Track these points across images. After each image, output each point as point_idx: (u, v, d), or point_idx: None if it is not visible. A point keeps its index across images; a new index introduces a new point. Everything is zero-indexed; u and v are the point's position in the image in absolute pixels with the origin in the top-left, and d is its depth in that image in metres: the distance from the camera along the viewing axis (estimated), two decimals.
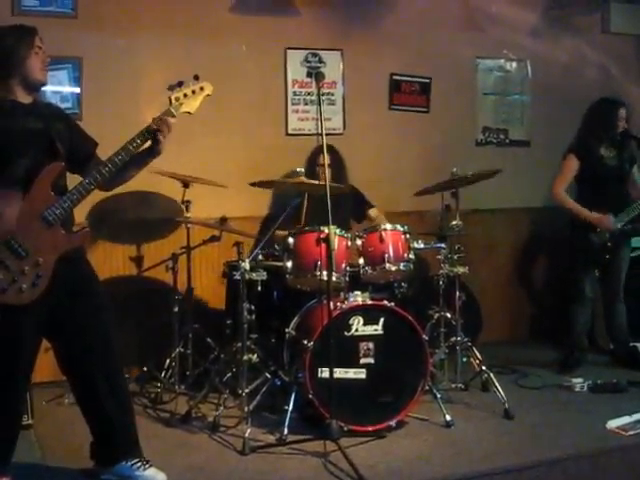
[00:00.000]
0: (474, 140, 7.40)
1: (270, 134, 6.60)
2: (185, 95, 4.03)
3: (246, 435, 4.56)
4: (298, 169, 5.09)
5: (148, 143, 3.96)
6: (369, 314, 4.89)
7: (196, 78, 4.08)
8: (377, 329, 4.87)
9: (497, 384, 5.28)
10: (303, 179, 5.11)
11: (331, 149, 5.96)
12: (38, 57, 3.83)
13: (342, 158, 6.11)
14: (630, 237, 6.29)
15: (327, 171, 5.77)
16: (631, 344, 6.44)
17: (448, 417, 4.96)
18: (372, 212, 6.23)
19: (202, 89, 4.09)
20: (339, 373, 4.71)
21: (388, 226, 5.20)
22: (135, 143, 3.89)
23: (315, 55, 6.74)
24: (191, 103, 4.06)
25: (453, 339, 5.63)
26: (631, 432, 4.75)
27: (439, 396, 5.06)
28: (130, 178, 4.09)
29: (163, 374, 5.69)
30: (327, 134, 4.73)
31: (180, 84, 4.05)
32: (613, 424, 4.86)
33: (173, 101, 4.01)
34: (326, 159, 4.93)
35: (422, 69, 7.11)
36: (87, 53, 5.93)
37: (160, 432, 4.93)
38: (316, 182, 5.03)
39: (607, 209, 6.09)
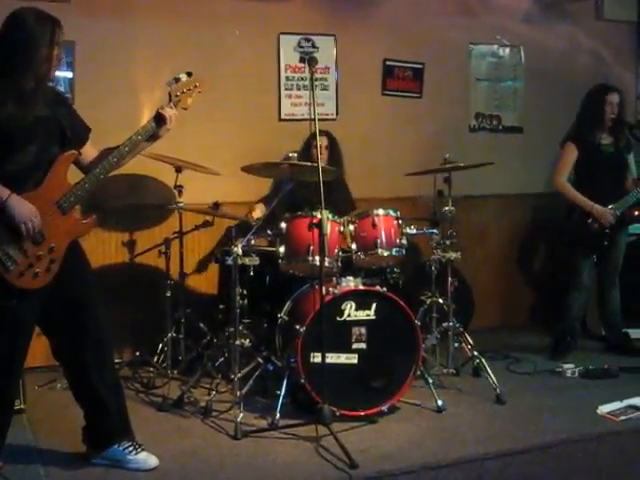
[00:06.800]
0: (467, 126, 7.40)
1: (263, 119, 6.58)
2: (182, 92, 4.10)
3: (238, 420, 4.57)
4: (290, 154, 5.07)
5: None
6: (361, 299, 4.89)
7: (189, 75, 4.13)
8: (369, 314, 4.88)
9: (489, 369, 5.30)
10: (294, 160, 5.07)
11: (328, 134, 5.99)
12: (55, 55, 3.79)
13: (338, 143, 6.11)
14: (628, 224, 6.30)
15: (324, 153, 5.78)
16: (623, 330, 6.47)
17: (440, 402, 4.98)
18: None
19: (196, 86, 4.15)
20: (331, 358, 4.72)
21: (380, 211, 5.20)
22: (140, 136, 3.95)
23: (308, 40, 6.72)
24: (186, 100, 4.14)
25: (445, 324, 5.64)
26: (622, 417, 4.78)
27: (431, 381, 5.09)
28: (124, 165, 4.09)
29: (156, 359, 5.72)
30: (320, 119, 4.72)
31: (177, 80, 4.11)
32: (604, 409, 4.89)
33: (172, 97, 4.07)
34: (319, 140, 4.90)
35: (415, 54, 7.10)
36: (80, 37, 5.88)
37: (152, 417, 4.94)
38: (308, 163, 4.99)
39: (605, 196, 6.11)
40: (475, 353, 5.51)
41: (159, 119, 3.99)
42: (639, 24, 7.92)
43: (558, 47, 7.48)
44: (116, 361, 4.99)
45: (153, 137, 4.04)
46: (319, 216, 4.58)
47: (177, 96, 4.07)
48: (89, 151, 4.03)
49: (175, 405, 5.08)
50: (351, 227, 5.18)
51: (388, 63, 7.03)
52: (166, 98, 4.09)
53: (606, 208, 6.06)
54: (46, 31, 3.73)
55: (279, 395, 4.77)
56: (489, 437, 4.53)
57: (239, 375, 4.88)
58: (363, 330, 4.86)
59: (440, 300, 5.73)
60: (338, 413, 4.65)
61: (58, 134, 3.85)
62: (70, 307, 3.93)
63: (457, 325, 5.62)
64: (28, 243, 3.69)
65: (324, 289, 4.56)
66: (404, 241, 5.21)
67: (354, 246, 5.17)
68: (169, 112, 4.00)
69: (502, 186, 7.36)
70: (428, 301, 5.77)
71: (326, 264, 4.69)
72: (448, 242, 5.62)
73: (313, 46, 6.75)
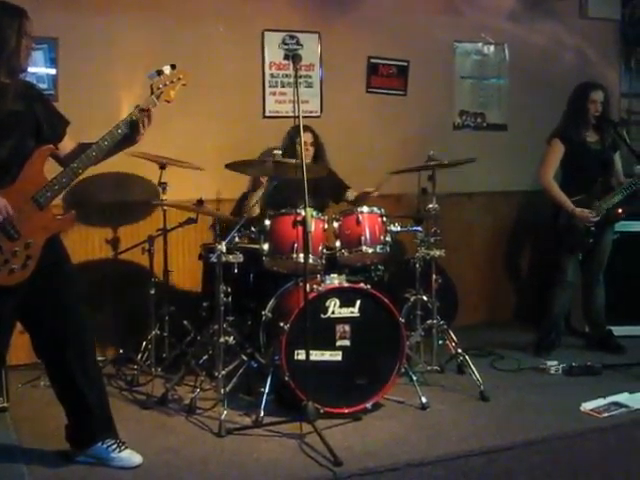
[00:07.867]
0: (451, 123, 7.40)
1: (247, 116, 6.56)
2: (165, 84, 4.03)
3: (222, 417, 4.57)
4: (275, 151, 5.06)
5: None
6: (345, 296, 4.89)
7: (173, 67, 4.07)
8: (353, 311, 4.88)
9: (473, 366, 5.31)
10: (279, 157, 5.05)
11: (310, 129, 5.97)
12: (25, 43, 3.77)
13: (321, 140, 6.09)
14: (614, 222, 6.30)
15: (310, 149, 5.76)
16: (607, 327, 6.49)
17: (424, 399, 4.98)
18: (349, 194, 6.19)
19: (179, 79, 4.09)
20: (315, 355, 4.71)
21: (365, 209, 5.20)
22: (120, 129, 3.89)
23: (293, 37, 6.71)
24: (170, 92, 4.06)
25: (429, 322, 5.64)
26: (605, 414, 4.79)
27: (415, 378, 5.10)
28: (101, 162, 4.04)
29: (139, 356, 5.69)
30: (304, 117, 4.72)
31: (159, 73, 4.04)
32: (587, 406, 4.91)
33: (155, 90, 4.01)
34: (306, 137, 4.88)
35: (400, 52, 7.09)
36: (63, 34, 5.87)
37: (136, 414, 4.92)
38: (292, 160, 4.98)
39: (591, 194, 6.12)
40: (459, 350, 5.51)
41: (134, 125, 3.92)
42: (623, 22, 7.95)
43: (542, 45, 7.51)
44: (99, 359, 4.97)
45: (130, 141, 3.97)
46: (303, 213, 4.57)
47: (159, 89, 3.99)
48: (67, 144, 4.00)
49: (159, 403, 5.06)
50: (335, 224, 5.18)
51: (373, 60, 7.02)
52: (147, 92, 4.02)
53: (585, 210, 6.07)
54: (13, 22, 3.70)
55: (263, 392, 4.77)
56: (473, 434, 4.53)
57: (223, 372, 4.87)
58: (347, 327, 4.86)
59: (424, 297, 5.73)
60: (322, 410, 4.64)
61: (33, 128, 3.81)
62: (51, 304, 3.90)
63: (441, 322, 5.62)
64: (3, 239, 3.65)
65: (308, 286, 4.56)
66: (388, 238, 5.21)
67: (338, 243, 5.17)
68: (150, 115, 3.94)
69: (486, 184, 7.37)
70: (412, 298, 5.76)
71: (310, 261, 4.70)
72: (432, 239, 5.64)
73: (297, 43, 6.73)
